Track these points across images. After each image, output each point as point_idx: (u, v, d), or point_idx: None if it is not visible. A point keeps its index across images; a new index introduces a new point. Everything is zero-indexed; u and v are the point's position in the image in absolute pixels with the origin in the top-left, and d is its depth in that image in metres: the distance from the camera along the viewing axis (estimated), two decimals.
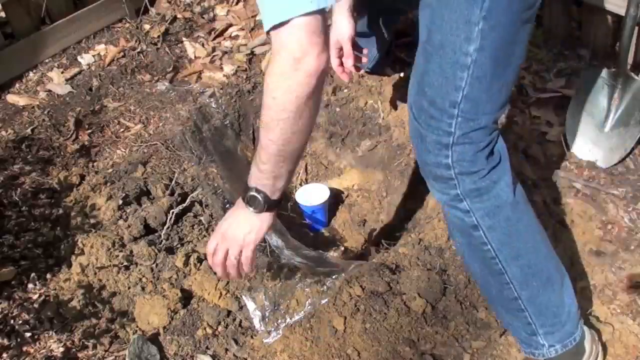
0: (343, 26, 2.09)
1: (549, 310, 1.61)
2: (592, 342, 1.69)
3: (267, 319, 1.80)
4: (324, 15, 1.31)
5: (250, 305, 1.82)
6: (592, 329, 1.75)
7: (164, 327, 1.84)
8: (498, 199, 1.53)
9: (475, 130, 1.47)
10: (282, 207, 1.69)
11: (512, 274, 1.57)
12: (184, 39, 2.98)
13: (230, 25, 3.06)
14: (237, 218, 1.58)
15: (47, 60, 2.84)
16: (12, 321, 1.84)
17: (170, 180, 2.26)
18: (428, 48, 1.46)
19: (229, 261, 1.60)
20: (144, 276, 1.94)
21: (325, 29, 1.31)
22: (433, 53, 1.44)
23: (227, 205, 2.10)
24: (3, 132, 2.51)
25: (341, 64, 2.14)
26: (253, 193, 1.51)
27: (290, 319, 1.80)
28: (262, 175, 1.49)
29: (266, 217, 1.56)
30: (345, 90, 2.58)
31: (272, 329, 1.79)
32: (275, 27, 1.29)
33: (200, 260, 1.98)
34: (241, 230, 1.57)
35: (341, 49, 2.12)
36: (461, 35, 1.39)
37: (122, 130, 2.55)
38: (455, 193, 1.52)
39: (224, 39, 3.00)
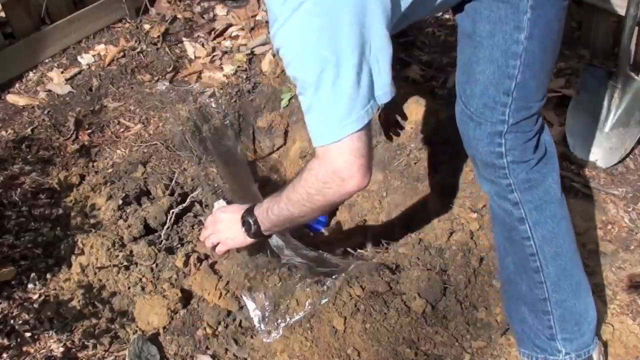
0: None
1: (573, 317, 1.62)
2: (599, 353, 1.69)
3: (267, 319, 1.80)
4: (370, 133, 1.36)
5: (250, 305, 1.83)
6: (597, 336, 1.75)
7: (164, 327, 1.84)
8: (547, 195, 1.56)
9: (526, 118, 1.50)
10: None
11: (548, 273, 1.59)
12: (184, 39, 2.98)
13: (230, 25, 3.06)
14: (230, 222, 1.70)
15: (47, 60, 2.84)
16: (12, 321, 1.84)
17: (170, 180, 2.26)
18: (476, 38, 1.48)
19: (207, 242, 1.78)
20: (144, 276, 1.94)
21: (371, 146, 1.38)
22: (482, 42, 1.47)
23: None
24: (3, 132, 2.51)
25: None
26: (251, 220, 1.64)
27: (290, 319, 1.80)
28: (267, 218, 1.60)
29: (250, 239, 1.69)
30: None
31: (272, 329, 1.79)
32: (323, 144, 1.35)
33: (200, 260, 1.98)
34: (226, 233, 1.72)
35: None
36: (510, 23, 1.43)
37: (122, 130, 2.55)
38: (506, 183, 1.55)
39: (224, 39, 3.00)
